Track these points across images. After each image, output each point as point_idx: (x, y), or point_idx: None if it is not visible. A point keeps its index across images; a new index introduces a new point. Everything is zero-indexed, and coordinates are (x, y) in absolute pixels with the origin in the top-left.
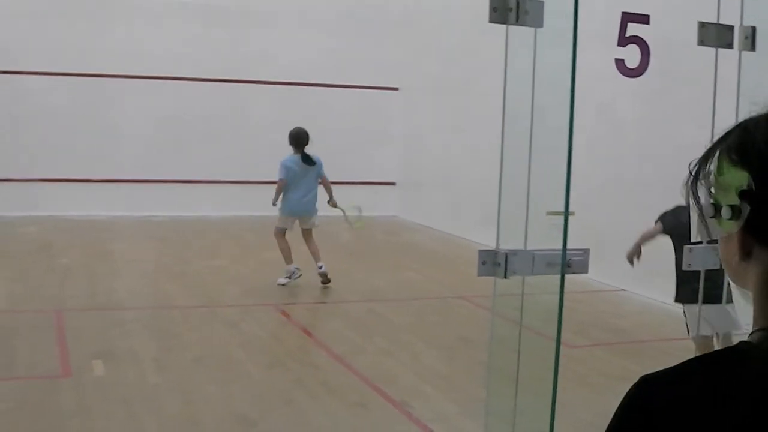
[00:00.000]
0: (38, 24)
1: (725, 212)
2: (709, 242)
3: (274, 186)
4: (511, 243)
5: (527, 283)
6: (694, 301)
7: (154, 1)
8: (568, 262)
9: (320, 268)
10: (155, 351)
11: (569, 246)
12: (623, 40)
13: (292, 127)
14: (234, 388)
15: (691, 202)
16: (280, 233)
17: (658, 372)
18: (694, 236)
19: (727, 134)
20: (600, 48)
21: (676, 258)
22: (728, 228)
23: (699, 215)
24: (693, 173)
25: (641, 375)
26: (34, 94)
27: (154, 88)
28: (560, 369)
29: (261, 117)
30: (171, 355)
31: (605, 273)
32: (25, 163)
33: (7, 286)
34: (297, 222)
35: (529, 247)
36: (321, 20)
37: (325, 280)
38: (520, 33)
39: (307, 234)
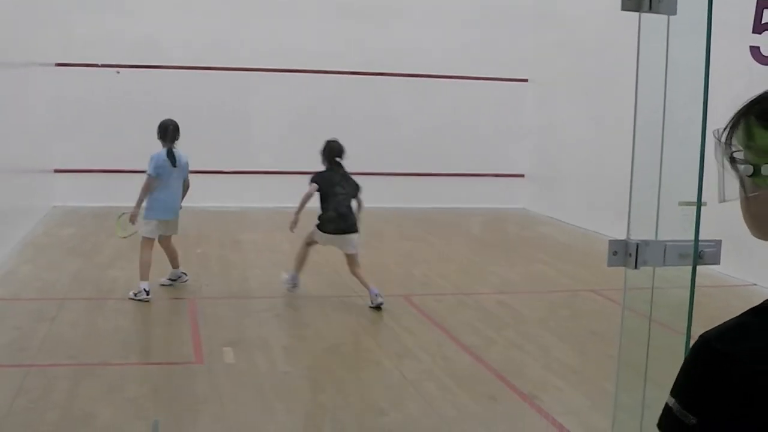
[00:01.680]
0: (179, 18)
1: (766, 169)
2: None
3: (407, 177)
4: (642, 233)
5: (657, 276)
6: (333, 232)
7: None
8: (701, 254)
9: None
10: (286, 339)
11: (701, 237)
12: (758, 27)
13: (423, 120)
14: (364, 377)
15: (723, 163)
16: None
17: (719, 327)
18: (720, 196)
19: (754, 103)
20: (734, 36)
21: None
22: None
23: (722, 175)
24: (723, 139)
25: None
26: (172, 89)
27: (288, 82)
28: None
29: (395, 110)
30: (301, 343)
31: (736, 266)
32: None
33: None
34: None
35: (660, 238)
36: (454, 13)
37: None
38: (653, 21)
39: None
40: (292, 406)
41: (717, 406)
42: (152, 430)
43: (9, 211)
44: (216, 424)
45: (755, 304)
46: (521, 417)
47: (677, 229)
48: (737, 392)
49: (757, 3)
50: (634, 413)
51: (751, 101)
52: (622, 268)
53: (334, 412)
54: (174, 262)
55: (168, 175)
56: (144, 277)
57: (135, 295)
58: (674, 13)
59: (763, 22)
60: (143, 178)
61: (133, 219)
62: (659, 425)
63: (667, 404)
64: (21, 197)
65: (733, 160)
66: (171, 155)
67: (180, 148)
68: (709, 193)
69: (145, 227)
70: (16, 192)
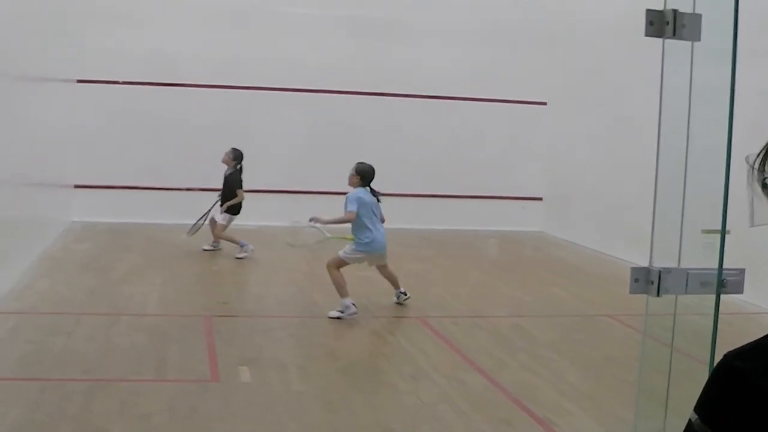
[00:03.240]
0: (197, 37)
1: None
2: None
3: (422, 199)
4: (664, 261)
5: (679, 303)
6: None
7: (306, 14)
8: (723, 282)
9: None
10: (301, 359)
11: (724, 265)
12: None
13: (439, 141)
14: (379, 398)
15: (758, 190)
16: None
17: (741, 347)
18: (750, 221)
19: None
20: (758, 62)
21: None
22: None
23: (751, 200)
24: (756, 166)
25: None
26: (192, 106)
27: (304, 101)
28: None
29: (411, 130)
30: (316, 363)
31: (759, 295)
32: (181, 172)
33: (160, 290)
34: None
35: (683, 266)
36: (469, 34)
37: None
38: (677, 47)
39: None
40: (305, 426)
41: (734, 421)
42: None
43: (28, 225)
44: None
45: None
46: None
47: (700, 257)
48: (753, 409)
49: None
50: None
51: None
52: (639, 295)
53: None
54: (395, 283)
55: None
56: (344, 294)
57: (342, 312)
58: (698, 39)
59: None
60: (160, 194)
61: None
62: None
63: (689, 419)
64: (40, 212)
65: (765, 186)
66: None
67: (204, 165)
68: (733, 221)
69: (349, 252)
70: (35, 207)
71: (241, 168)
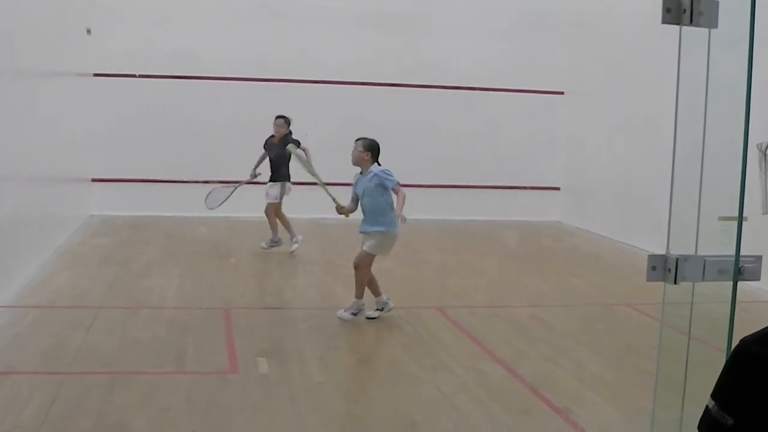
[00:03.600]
0: (215, 30)
1: None
2: None
3: (440, 189)
4: (681, 248)
5: (696, 292)
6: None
7: (329, 8)
8: (741, 269)
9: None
10: (320, 350)
11: (741, 253)
12: None
13: (457, 132)
14: (398, 389)
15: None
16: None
17: (757, 333)
18: (764, 208)
19: None
20: None
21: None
22: None
23: (766, 187)
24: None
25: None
26: (210, 99)
27: (325, 93)
28: None
29: (429, 122)
30: (336, 355)
31: None
32: (199, 165)
33: (178, 283)
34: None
35: (700, 253)
36: (488, 25)
37: None
38: (694, 34)
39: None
40: (325, 418)
41: (753, 406)
42: None
43: (47, 219)
44: None
45: None
46: (556, 431)
47: (717, 244)
48: None
49: None
50: (671, 430)
51: None
52: (658, 283)
53: (367, 424)
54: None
55: None
56: (377, 293)
57: (381, 310)
58: (715, 26)
59: None
60: (179, 187)
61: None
62: (699, 427)
63: (707, 406)
64: (59, 206)
65: None
66: None
67: (222, 158)
68: (749, 208)
69: (375, 244)
70: (54, 201)
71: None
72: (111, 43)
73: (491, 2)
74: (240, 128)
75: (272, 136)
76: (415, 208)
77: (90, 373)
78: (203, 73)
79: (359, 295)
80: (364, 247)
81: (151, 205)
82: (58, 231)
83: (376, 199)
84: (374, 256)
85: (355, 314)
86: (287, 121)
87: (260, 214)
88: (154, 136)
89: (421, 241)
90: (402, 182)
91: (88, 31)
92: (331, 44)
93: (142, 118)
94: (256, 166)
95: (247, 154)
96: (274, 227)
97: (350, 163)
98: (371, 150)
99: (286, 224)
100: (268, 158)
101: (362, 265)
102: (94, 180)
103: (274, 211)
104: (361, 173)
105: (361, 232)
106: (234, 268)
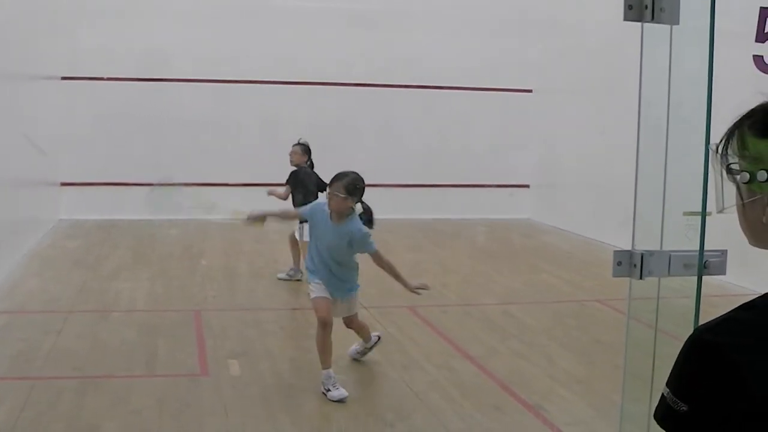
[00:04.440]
0: (185, 31)
1: (761, 176)
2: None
3: (410, 189)
4: (646, 244)
5: (662, 286)
6: None
7: (302, 7)
8: (706, 264)
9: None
10: (291, 351)
11: (707, 247)
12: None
13: (427, 130)
14: (370, 388)
15: (722, 173)
16: None
17: (710, 321)
18: (718, 206)
19: (747, 116)
20: (737, 45)
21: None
22: (764, 189)
23: (720, 185)
24: (719, 151)
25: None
26: (179, 101)
27: (296, 93)
28: None
29: (399, 121)
30: (307, 355)
31: (743, 276)
32: (169, 167)
33: (148, 286)
34: None
35: (665, 248)
36: (458, 24)
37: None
38: (656, 31)
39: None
40: (297, 418)
41: (705, 394)
42: None
43: (16, 223)
44: None
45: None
46: (527, 427)
47: (682, 239)
48: (724, 381)
49: (761, 12)
50: (640, 424)
51: (744, 115)
52: (627, 278)
53: (340, 423)
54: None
55: None
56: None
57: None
58: (677, 23)
59: (766, 32)
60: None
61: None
62: (655, 415)
63: (662, 393)
64: (27, 210)
65: (729, 170)
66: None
67: (192, 160)
68: (714, 203)
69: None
70: (22, 205)
71: (312, 164)
72: (79, 45)
73: (460, 1)
74: (210, 129)
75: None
76: (385, 207)
77: (61, 378)
78: (172, 74)
79: (366, 337)
80: (351, 312)
81: (120, 209)
82: (27, 235)
83: (345, 258)
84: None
85: (369, 348)
86: (305, 148)
87: (227, 215)
88: (124, 138)
89: (392, 240)
90: (372, 182)
91: None
92: (302, 43)
93: (112, 120)
94: (274, 193)
95: (219, 156)
96: (296, 257)
97: (323, 163)
98: (354, 193)
99: (297, 254)
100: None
101: (355, 319)
102: (63, 184)
103: (292, 241)
104: (329, 215)
105: (334, 296)
106: (205, 270)
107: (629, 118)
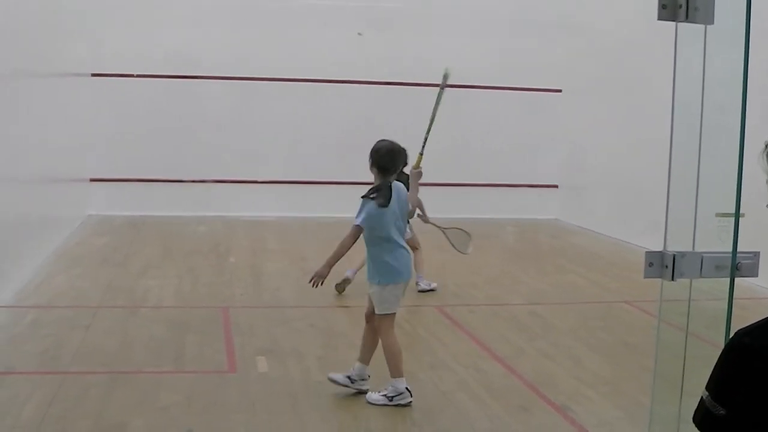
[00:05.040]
0: (213, 29)
1: None
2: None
3: (439, 188)
4: (678, 245)
5: (693, 288)
6: None
7: (317, 5)
8: (738, 265)
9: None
10: (319, 349)
11: (739, 249)
12: None
13: (455, 130)
14: None
15: None
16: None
17: (751, 325)
18: None
19: None
20: None
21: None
22: None
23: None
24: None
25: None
26: (207, 99)
27: (323, 92)
28: None
29: (424, 120)
30: (335, 353)
31: None
32: (197, 164)
33: (177, 283)
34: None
35: (697, 250)
36: (485, 23)
37: None
38: (690, 30)
39: None
40: (325, 416)
41: (744, 397)
42: None
43: (44, 220)
44: None
45: None
46: (554, 428)
47: (714, 241)
48: (762, 385)
49: None
50: (670, 426)
51: None
52: (656, 280)
53: (367, 422)
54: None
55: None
56: (365, 360)
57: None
58: (711, 22)
59: None
60: (177, 186)
61: None
62: (693, 418)
63: (701, 397)
64: (56, 206)
65: None
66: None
67: (219, 157)
68: (747, 204)
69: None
70: (51, 201)
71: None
72: (108, 43)
73: (490, 1)
74: (238, 127)
75: None
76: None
77: (89, 373)
78: (201, 72)
79: (396, 373)
80: (371, 306)
81: (149, 205)
82: (56, 231)
83: (366, 240)
84: (390, 316)
85: (390, 398)
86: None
87: (256, 212)
88: (153, 135)
89: (420, 240)
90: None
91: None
92: (331, 43)
93: (141, 117)
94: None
95: (245, 154)
96: (417, 264)
97: (340, 161)
98: (373, 159)
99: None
100: None
101: (372, 318)
102: (92, 180)
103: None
104: None
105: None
106: (233, 267)
107: (656, 118)
